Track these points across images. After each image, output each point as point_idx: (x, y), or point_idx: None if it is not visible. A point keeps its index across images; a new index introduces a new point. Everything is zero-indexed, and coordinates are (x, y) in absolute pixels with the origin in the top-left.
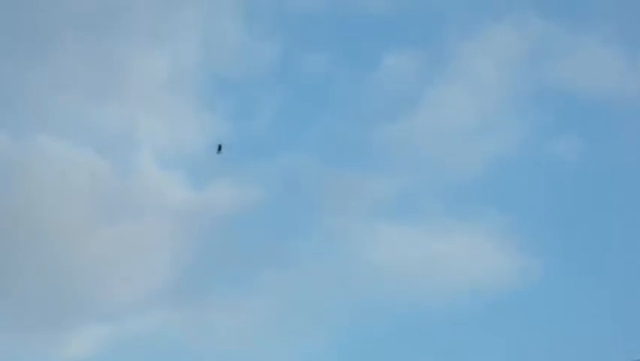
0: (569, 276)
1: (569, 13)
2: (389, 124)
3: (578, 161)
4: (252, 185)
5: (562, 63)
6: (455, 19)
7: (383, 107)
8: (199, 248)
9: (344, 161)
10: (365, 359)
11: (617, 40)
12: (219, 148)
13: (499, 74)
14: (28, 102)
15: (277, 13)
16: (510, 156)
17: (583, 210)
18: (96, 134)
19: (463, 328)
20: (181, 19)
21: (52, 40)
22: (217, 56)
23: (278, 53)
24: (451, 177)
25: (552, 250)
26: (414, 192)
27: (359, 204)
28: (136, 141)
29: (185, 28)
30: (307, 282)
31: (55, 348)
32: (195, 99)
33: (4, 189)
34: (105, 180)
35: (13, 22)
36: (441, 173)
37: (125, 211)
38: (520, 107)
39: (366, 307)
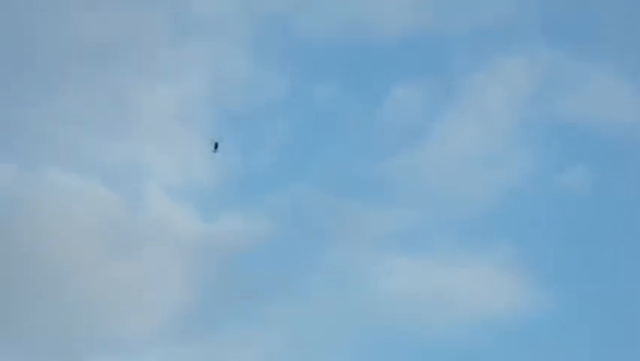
0: (580, 307)
1: (578, 44)
2: (397, 155)
3: (588, 193)
4: (261, 217)
5: (571, 94)
6: (463, 50)
7: (391, 138)
8: (208, 281)
9: (352, 193)
10: None
11: (627, 71)
12: (216, 146)
13: (508, 106)
14: (38, 135)
15: (285, 46)
16: (520, 188)
17: (593, 242)
18: (105, 168)
19: (476, 358)
20: (189, 54)
21: (62, 74)
22: (225, 89)
23: (285, 86)
24: (461, 209)
25: (563, 281)
26: (423, 224)
27: (368, 236)
28: (145, 174)
29: (193, 62)
30: (317, 315)
31: None
32: (203, 132)
33: (14, 221)
34: (114, 213)
35: (23, 57)
36: (450, 205)
37: (135, 244)
38: (530, 138)
39: (377, 339)
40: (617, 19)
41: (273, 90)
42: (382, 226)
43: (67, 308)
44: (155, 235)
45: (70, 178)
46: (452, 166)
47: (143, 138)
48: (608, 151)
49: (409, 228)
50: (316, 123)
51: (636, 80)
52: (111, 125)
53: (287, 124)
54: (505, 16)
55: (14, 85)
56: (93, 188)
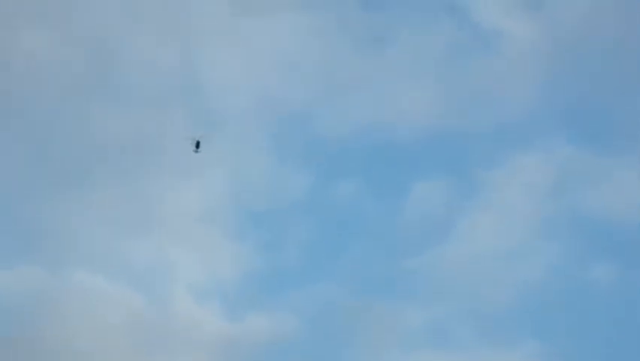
0: None
1: (598, 139)
2: (419, 253)
3: (612, 287)
4: (286, 316)
5: (593, 189)
6: (484, 147)
7: (413, 235)
8: None
9: (375, 291)
10: None
11: None
12: (197, 145)
13: (529, 201)
14: (63, 237)
15: (306, 144)
16: (543, 283)
17: (618, 337)
18: (130, 268)
19: None
20: (211, 153)
21: (86, 174)
22: (247, 188)
23: (308, 184)
24: (484, 305)
25: None
26: (447, 321)
27: (392, 333)
28: (170, 274)
29: (215, 161)
30: None
31: None
32: (227, 231)
33: (41, 323)
34: (141, 314)
35: (47, 157)
36: (473, 301)
37: (162, 344)
38: (553, 233)
39: None
40: (637, 115)
41: (296, 188)
42: (407, 323)
43: None
44: (182, 334)
45: (96, 279)
46: (476, 262)
47: (167, 237)
48: (631, 245)
49: (433, 324)
50: (339, 221)
51: None
52: (135, 226)
53: (310, 222)
54: (525, 112)
55: (39, 185)
56: (119, 289)
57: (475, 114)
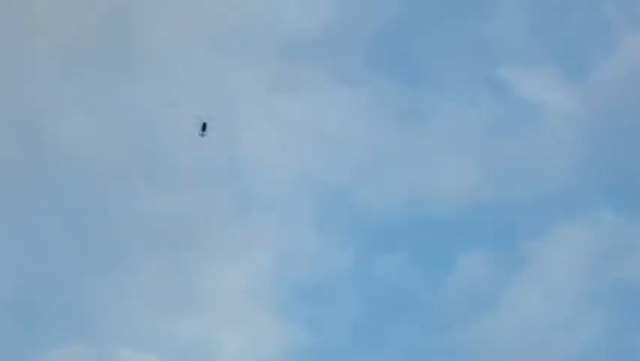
0: None
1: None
2: (466, 326)
3: None
4: None
5: (636, 258)
6: (526, 218)
7: (459, 309)
8: None
9: None
10: None
11: None
12: (204, 127)
13: (573, 271)
14: (112, 316)
15: (348, 219)
16: (590, 354)
17: None
18: (176, 346)
19: None
20: (255, 229)
21: (128, 253)
22: (291, 264)
23: (350, 258)
24: None
25: None
26: None
27: None
28: (215, 352)
29: (259, 237)
30: None
31: None
32: (272, 308)
33: None
34: None
35: (92, 235)
36: None
37: None
38: (597, 303)
39: None
40: None
41: (338, 263)
42: None
43: None
44: None
45: (143, 357)
46: (522, 334)
47: (213, 315)
48: None
49: None
50: (384, 295)
51: None
52: (179, 304)
53: (354, 297)
54: (567, 182)
55: (83, 263)
56: None
57: (517, 186)
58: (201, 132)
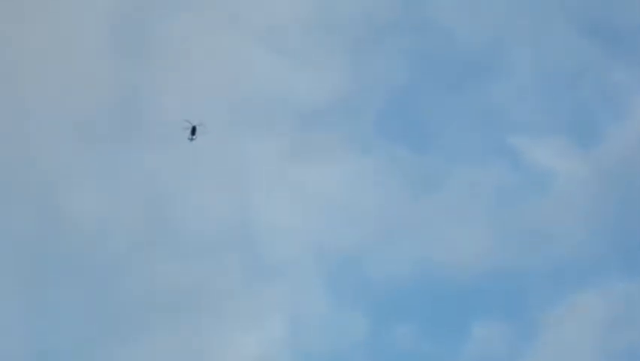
0: None
1: None
2: None
3: None
4: None
5: None
6: (539, 286)
7: None
8: None
9: None
10: None
11: None
12: (193, 131)
13: (588, 339)
14: None
15: (362, 287)
16: None
17: None
18: None
19: None
20: (268, 296)
21: (142, 322)
22: (305, 331)
23: (364, 326)
24: None
25: None
26: None
27: None
28: None
29: (272, 305)
30: None
31: None
32: None
33: None
34: None
35: (103, 305)
36: None
37: None
38: None
39: None
40: None
41: (352, 331)
42: None
43: None
44: None
45: None
46: None
47: None
48: None
49: None
50: None
51: None
52: None
53: None
54: (579, 250)
55: (98, 334)
56: None
57: (529, 253)
58: (190, 137)
